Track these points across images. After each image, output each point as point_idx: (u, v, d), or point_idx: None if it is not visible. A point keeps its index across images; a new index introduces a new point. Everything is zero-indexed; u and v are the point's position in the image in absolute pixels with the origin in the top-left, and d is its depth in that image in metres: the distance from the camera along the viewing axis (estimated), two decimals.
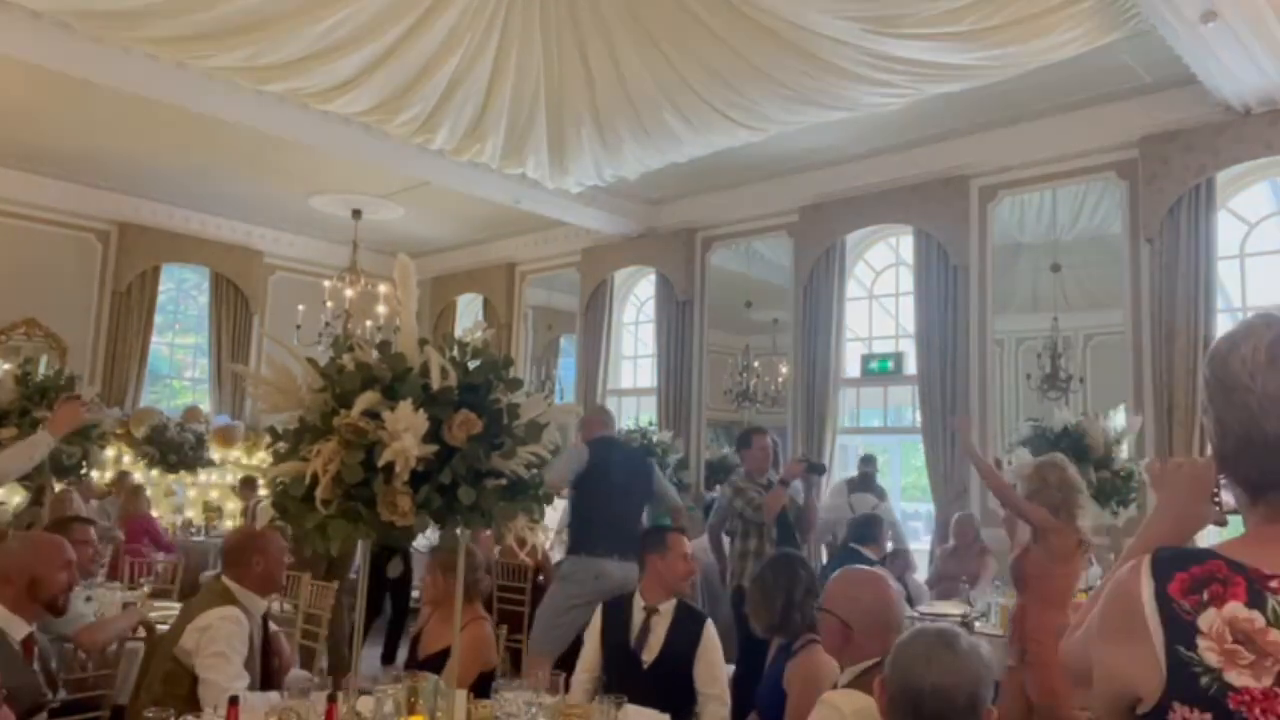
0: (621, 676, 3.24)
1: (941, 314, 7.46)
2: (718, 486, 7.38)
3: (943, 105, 6.40)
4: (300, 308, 8.82)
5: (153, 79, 5.98)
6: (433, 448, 2.03)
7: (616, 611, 3.53)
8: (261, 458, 9.25)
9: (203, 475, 9.82)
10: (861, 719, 2.09)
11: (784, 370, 8.93)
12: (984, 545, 6.38)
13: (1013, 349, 9.05)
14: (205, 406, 10.35)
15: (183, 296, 11.23)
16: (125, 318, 9.74)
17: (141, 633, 3.73)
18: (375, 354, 2.18)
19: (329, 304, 9.08)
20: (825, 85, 5.76)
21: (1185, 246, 6.25)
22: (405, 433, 1.98)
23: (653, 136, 6.62)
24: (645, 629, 3.43)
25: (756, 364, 9.29)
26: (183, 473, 9.52)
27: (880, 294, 9.06)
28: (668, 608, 3.46)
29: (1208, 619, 0.98)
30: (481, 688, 2.93)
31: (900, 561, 6.47)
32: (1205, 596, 1.00)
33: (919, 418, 7.66)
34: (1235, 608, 0.98)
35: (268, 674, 3.14)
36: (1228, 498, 1.17)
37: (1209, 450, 1.17)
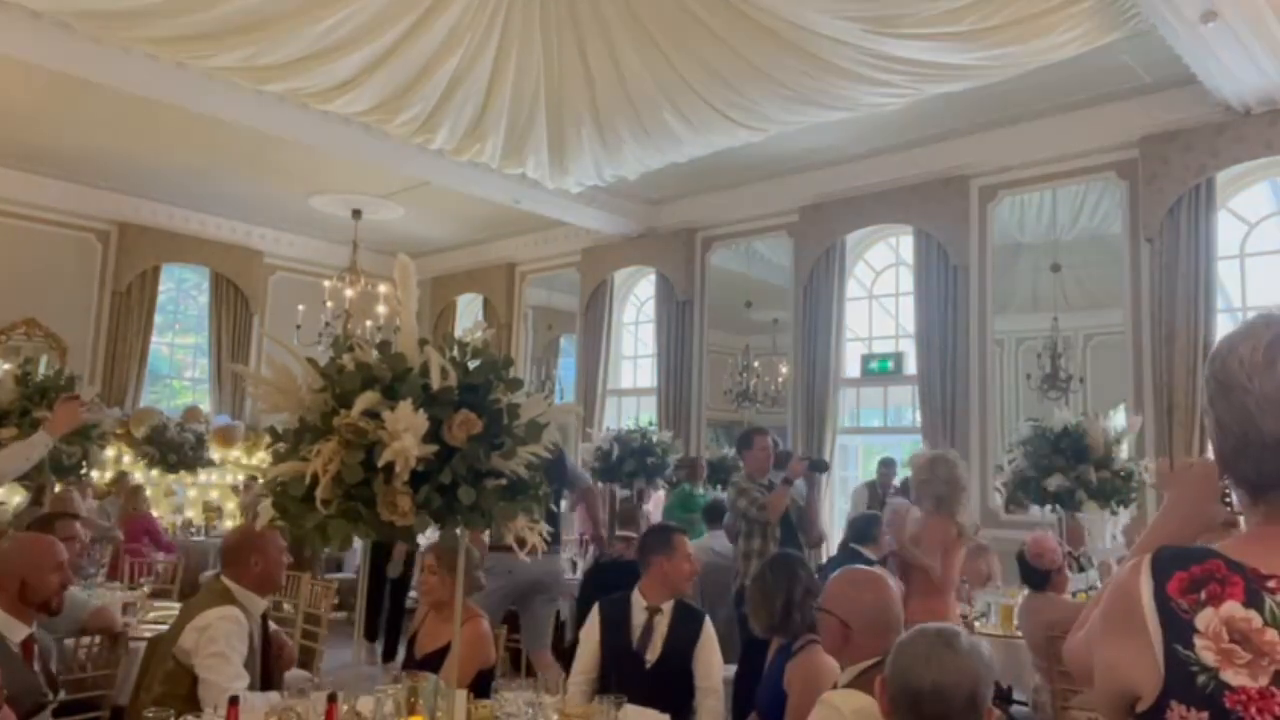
0: (624, 677, 3.23)
1: (941, 314, 7.46)
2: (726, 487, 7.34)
3: (943, 105, 6.40)
4: (300, 308, 8.82)
5: (153, 79, 5.98)
6: (433, 448, 2.03)
7: (615, 613, 3.50)
8: (261, 458, 9.25)
9: (203, 475, 9.81)
10: (861, 719, 2.09)
11: (784, 370, 8.93)
12: (984, 545, 6.37)
13: (1013, 349, 9.03)
14: (205, 406, 10.35)
15: (183, 296, 11.23)
16: (125, 318, 9.75)
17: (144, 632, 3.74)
18: (375, 354, 2.17)
19: (329, 304, 9.08)
20: (825, 85, 5.76)
21: (1185, 246, 6.26)
22: (405, 433, 1.98)
23: (653, 136, 6.63)
24: (648, 629, 3.42)
25: (756, 364, 9.27)
26: (183, 473, 9.50)
27: (880, 294, 9.05)
28: (669, 607, 3.46)
29: (1205, 618, 0.98)
30: (480, 686, 2.93)
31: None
32: (1203, 596, 1.00)
33: (919, 418, 7.66)
34: (1232, 607, 0.98)
35: (268, 674, 3.13)
36: (1238, 498, 1.17)
37: (1210, 450, 1.17)
